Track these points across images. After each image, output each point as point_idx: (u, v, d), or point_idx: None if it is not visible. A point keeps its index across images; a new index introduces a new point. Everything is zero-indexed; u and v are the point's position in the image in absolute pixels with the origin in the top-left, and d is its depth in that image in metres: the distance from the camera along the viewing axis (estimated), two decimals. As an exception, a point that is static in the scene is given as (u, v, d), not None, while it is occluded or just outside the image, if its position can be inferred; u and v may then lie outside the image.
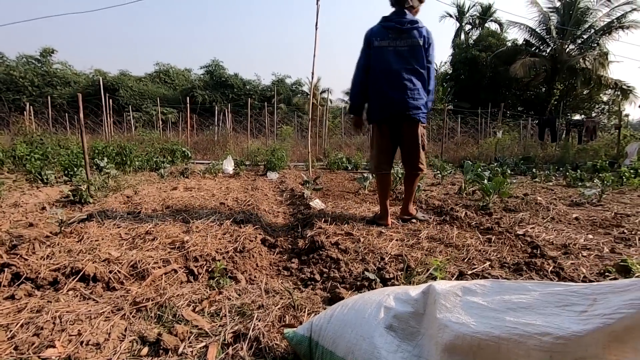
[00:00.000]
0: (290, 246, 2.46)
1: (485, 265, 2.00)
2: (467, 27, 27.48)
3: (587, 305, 0.60)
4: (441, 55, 46.71)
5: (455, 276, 1.85)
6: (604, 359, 0.55)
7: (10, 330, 1.27)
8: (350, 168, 8.59)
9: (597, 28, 19.65)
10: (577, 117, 21.65)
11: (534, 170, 7.25)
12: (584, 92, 22.17)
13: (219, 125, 14.77)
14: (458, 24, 27.66)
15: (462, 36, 27.49)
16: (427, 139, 3.14)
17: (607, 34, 19.61)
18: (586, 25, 19.96)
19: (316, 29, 6.85)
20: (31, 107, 12.80)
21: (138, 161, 6.73)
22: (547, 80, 21.74)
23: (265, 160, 7.48)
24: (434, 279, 1.65)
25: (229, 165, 7.04)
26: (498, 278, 1.84)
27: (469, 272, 1.87)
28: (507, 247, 2.32)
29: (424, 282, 1.52)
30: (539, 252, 2.21)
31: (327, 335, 0.95)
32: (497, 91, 23.33)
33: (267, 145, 10.95)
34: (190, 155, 8.84)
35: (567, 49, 20.48)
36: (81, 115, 3.61)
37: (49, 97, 13.72)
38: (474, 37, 26.40)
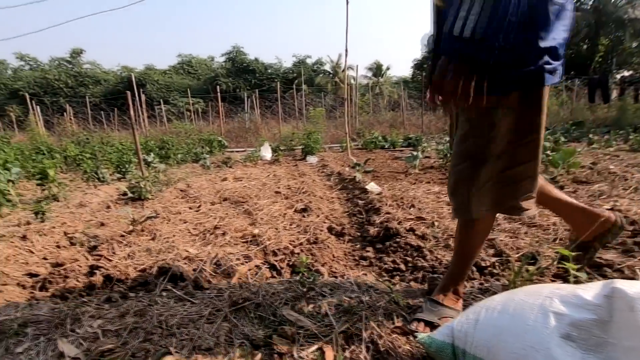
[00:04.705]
0: (358, 234, 2.38)
1: (585, 246, 1.82)
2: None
3: None
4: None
5: (556, 260, 1.70)
6: None
7: (122, 337, 1.28)
8: (387, 147, 8.35)
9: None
10: (625, 73, 19.86)
11: (589, 136, 6.71)
12: (633, 46, 20.26)
13: (248, 112, 14.81)
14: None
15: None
16: None
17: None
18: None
19: (347, 3, 6.55)
20: (70, 107, 13.36)
21: (180, 154, 6.85)
22: (589, 36, 19.99)
23: (302, 144, 7.40)
24: (546, 268, 1.51)
25: (266, 152, 7.03)
26: (601, 260, 1.67)
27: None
28: (601, 225, 2.11)
29: (537, 273, 1.38)
30: (638, 227, 2.00)
31: (478, 343, 0.86)
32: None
33: (298, 128, 10.85)
34: (226, 144, 8.92)
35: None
36: (132, 112, 3.67)
37: (87, 97, 14.24)
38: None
